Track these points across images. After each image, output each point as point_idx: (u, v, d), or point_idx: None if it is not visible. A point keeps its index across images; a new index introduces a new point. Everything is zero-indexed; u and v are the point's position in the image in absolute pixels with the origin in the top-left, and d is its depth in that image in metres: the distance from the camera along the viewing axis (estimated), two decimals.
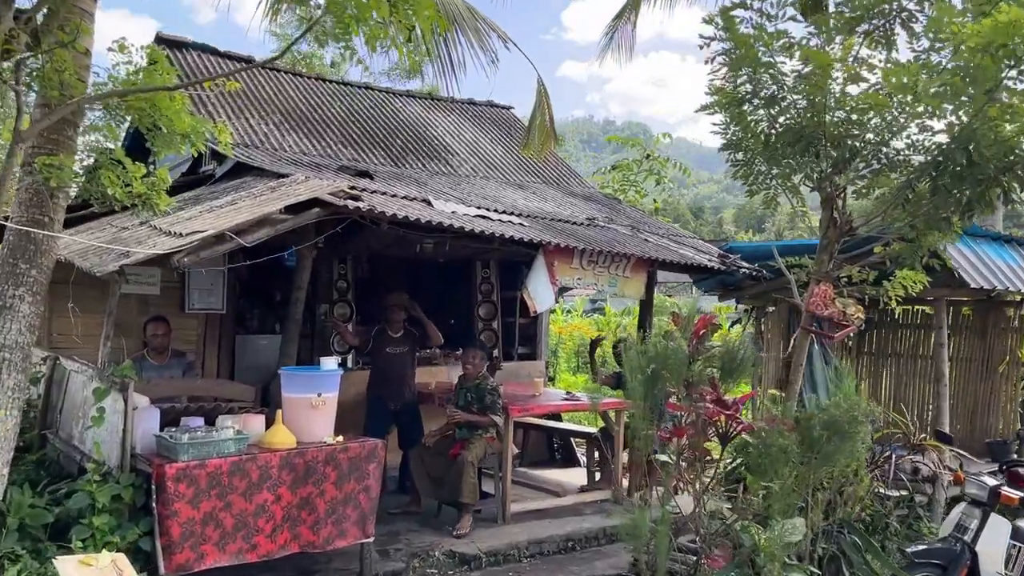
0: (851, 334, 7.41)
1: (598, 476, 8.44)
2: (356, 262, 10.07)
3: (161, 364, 6.82)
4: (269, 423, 5.40)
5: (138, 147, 7.13)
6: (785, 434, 4.89)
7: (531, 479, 8.45)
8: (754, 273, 7.66)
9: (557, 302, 6.21)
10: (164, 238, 5.42)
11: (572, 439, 9.64)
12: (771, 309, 8.55)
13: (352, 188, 6.12)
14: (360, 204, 5.78)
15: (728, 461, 5.52)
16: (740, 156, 5.90)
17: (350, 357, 8.65)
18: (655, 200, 9.47)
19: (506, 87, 11.32)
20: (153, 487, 4.70)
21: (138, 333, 6.78)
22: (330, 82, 9.93)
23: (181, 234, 5.30)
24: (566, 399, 7.66)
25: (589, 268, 6.94)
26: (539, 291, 6.53)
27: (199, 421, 5.30)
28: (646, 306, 8.80)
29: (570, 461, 9.68)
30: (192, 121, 4.82)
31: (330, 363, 5.73)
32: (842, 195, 5.74)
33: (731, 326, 9.13)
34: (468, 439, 6.82)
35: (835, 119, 5.46)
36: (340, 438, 5.57)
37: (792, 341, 6.23)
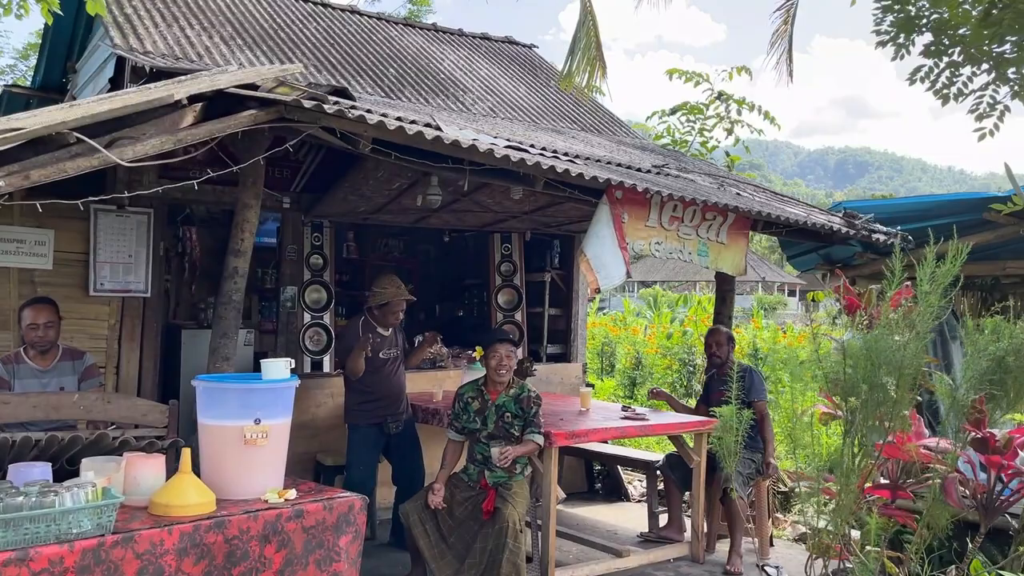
0: None
1: (661, 519, 6.24)
2: (337, 233, 7.85)
3: (45, 368, 4.63)
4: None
5: None
6: None
7: (571, 523, 6.23)
8: (890, 242, 5.44)
9: (629, 276, 3.94)
10: None
11: (620, 466, 7.40)
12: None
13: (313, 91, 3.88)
14: (325, 105, 3.55)
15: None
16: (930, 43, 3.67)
17: (326, 358, 6.42)
18: (727, 154, 7.29)
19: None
20: None
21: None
22: (306, 1, 7.70)
23: None
24: (628, 417, 5.43)
25: (672, 228, 4.72)
26: (604, 257, 4.31)
27: (40, 469, 3.08)
28: (725, 292, 6.58)
29: (615, 494, 7.46)
30: None
31: (277, 367, 3.50)
32: None
33: (839, 314, 6.91)
34: (506, 483, 4.60)
35: None
36: (292, 493, 3.36)
37: None
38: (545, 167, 3.97)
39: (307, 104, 3.41)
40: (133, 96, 3.28)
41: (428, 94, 6.79)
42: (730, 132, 7.39)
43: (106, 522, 2.80)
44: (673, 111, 7.36)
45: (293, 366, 3.57)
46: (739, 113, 7.09)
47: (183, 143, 3.31)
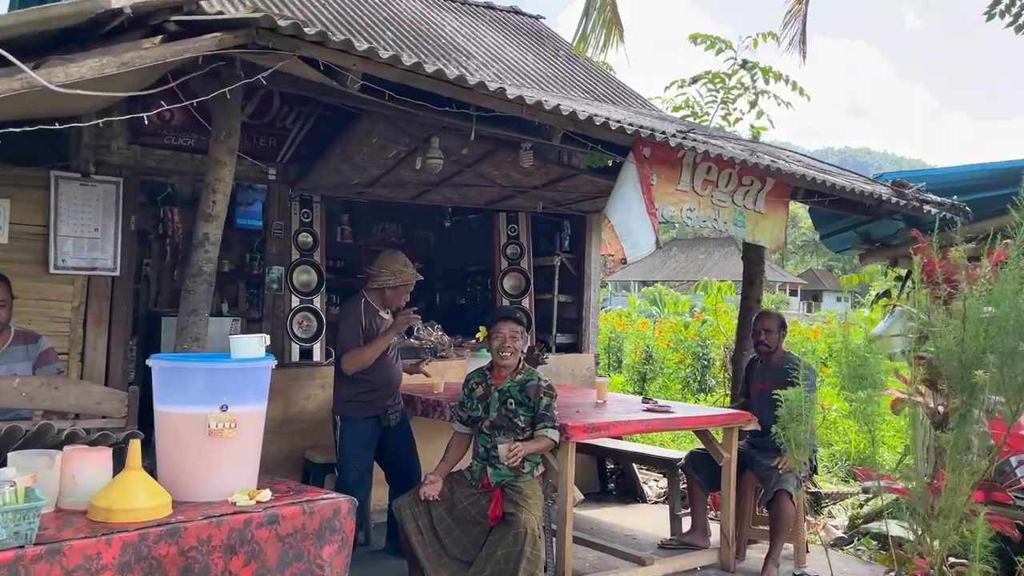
0: None
1: (684, 522, 5.68)
2: (330, 213, 7.29)
3: None
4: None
5: None
6: None
7: (585, 527, 5.67)
8: (942, 215, 4.87)
9: (659, 246, 3.36)
10: None
11: (635, 465, 6.84)
12: None
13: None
14: (306, 29, 2.98)
15: None
16: None
17: (317, 346, 5.85)
18: (752, 126, 6.72)
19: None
20: None
21: None
22: None
23: None
24: (651, 409, 4.86)
25: (705, 193, 4.16)
26: (631, 223, 3.75)
27: None
28: (754, 274, 6.02)
29: (630, 494, 6.90)
30: None
31: (248, 344, 2.93)
32: None
33: (876, 300, 6.36)
34: (513, 484, 4.03)
35: None
36: (265, 494, 2.80)
37: None
38: (565, 112, 3.40)
39: (283, 24, 2.84)
40: (57, 8, 2.70)
41: (428, 58, 6.21)
42: (754, 104, 6.83)
43: (26, 531, 2.23)
44: (694, 80, 6.80)
45: (268, 343, 3.00)
46: (766, 82, 6.54)
47: (129, 66, 2.73)
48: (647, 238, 3.78)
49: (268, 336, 3.00)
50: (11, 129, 3.14)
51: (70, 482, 2.62)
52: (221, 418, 2.79)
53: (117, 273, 5.02)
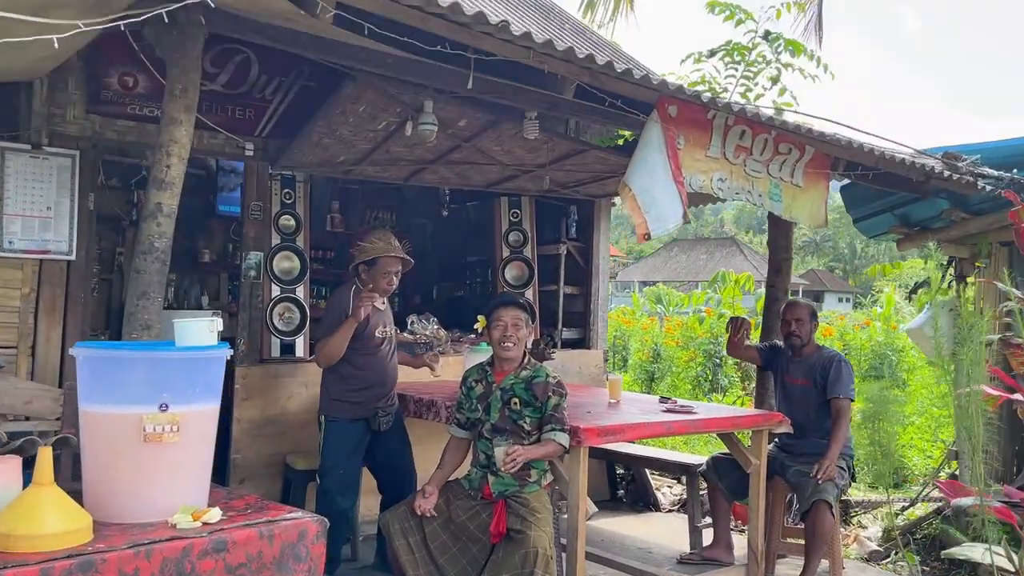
0: None
1: (705, 534, 5.15)
2: (317, 199, 6.77)
3: None
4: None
5: None
6: None
7: (595, 539, 5.14)
8: (999, 191, 4.32)
9: (687, 221, 2.82)
10: None
11: (648, 470, 6.30)
12: (982, 264, 5.20)
13: None
14: None
15: None
16: None
17: (300, 340, 5.31)
18: (775, 103, 6.19)
19: None
20: None
21: None
22: None
23: None
24: (671, 411, 4.32)
25: (738, 161, 3.63)
26: (654, 191, 3.21)
27: None
28: (780, 261, 5.49)
29: (642, 502, 6.36)
30: None
31: (195, 329, 2.40)
32: None
33: (914, 290, 5.82)
34: (519, 495, 3.49)
35: None
36: (214, 514, 2.26)
37: None
38: (580, 56, 2.86)
39: None
40: None
41: None
42: (776, 80, 6.30)
43: None
44: (711, 53, 6.27)
45: (220, 328, 2.46)
46: (792, 55, 6.00)
47: None
48: (673, 209, 3.24)
49: (220, 320, 2.46)
50: None
51: None
52: (159, 420, 2.26)
53: (73, 257, 4.48)
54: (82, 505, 2.19)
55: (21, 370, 4.33)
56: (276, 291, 5.19)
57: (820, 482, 4.25)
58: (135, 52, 4.23)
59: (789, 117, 4.25)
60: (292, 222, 5.32)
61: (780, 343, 4.92)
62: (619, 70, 2.99)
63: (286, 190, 5.31)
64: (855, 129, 4.15)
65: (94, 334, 5.53)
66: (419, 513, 3.52)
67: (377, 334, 4.21)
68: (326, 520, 2.37)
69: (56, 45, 2.13)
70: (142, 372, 2.27)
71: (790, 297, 5.25)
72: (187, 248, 7.14)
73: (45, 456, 2.07)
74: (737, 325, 4.91)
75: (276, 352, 5.20)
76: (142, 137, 4.69)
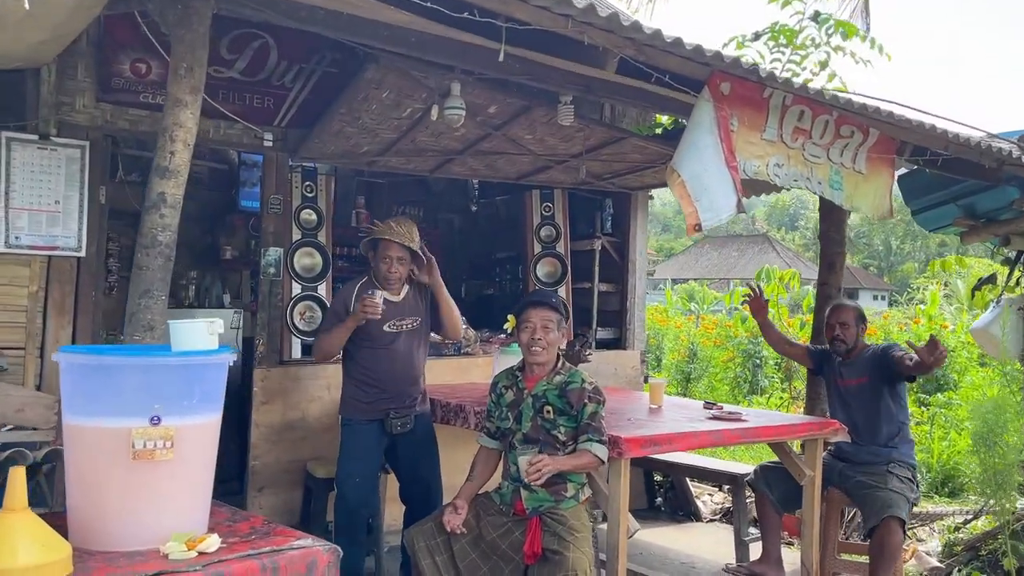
0: None
1: (752, 549, 4.81)
2: (343, 194, 6.53)
3: None
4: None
5: None
6: None
7: (633, 551, 4.82)
8: None
9: (743, 211, 2.49)
10: None
11: (689, 479, 5.96)
12: None
13: None
14: None
15: None
16: None
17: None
18: (824, 89, 5.81)
19: None
20: None
21: None
22: None
23: None
24: (718, 418, 3.99)
25: (796, 144, 3.29)
26: (705, 178, 2.89)
27: None
28: (834, 256, 5.13)
29: (683, 511, 6.03)
30: None
31: (192, 332, 2.13)
32: None
33: (979, 286, 5.42)
34: (555, 511, 3.19)
35: None
36: (212, 542, 1.99)
37: None
38: (625, 24, 2.54)
39: None
40: None
41: None
42: (824, 65, 5.92)
43: None
44: (756, 36, 5.91)
45: (222, 331, 2.19)
46: (844, 38, 5.61)
47: None
48: (727, 198, 2.91)
49: (221, 321, 2.18)
50: None
51: None
52: (151, 434, 1.99)
53: (83, 254, 4.25)
54: (67, 530, 1.94)
55: (29, 373, 4.11)
56: (297, 289, 4.93)
57: (894, 493, 3.90)
58: (147, 37, 3.98)
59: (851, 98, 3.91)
60: (313, 216, 5.06)
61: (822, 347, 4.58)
62: (668, 39, 2.67)
63: (307, 183, 5.06)
64: (921, 111, 3.78)
65: (111, 335, 5.31)
66: (448, 529, 3.24)
67: (387, 329, 3.91)
68: (339, 549, 2.09)
69: (27, 5, 1.86)
70: (131, 380, 2.01)
71: (841, 299, 4.89)
72: (208, 245, 6.94)
73: (16, 477, 1.81)
74: (757, 302, 4.63)
75: (297, 353, 4.94)
76: (155, 127, 4.40)
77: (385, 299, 3.84)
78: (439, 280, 4.01)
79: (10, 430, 2.79)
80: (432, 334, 4.77)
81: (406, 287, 4.01)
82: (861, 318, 4.31)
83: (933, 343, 3.79)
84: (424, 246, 4.00)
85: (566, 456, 3.22)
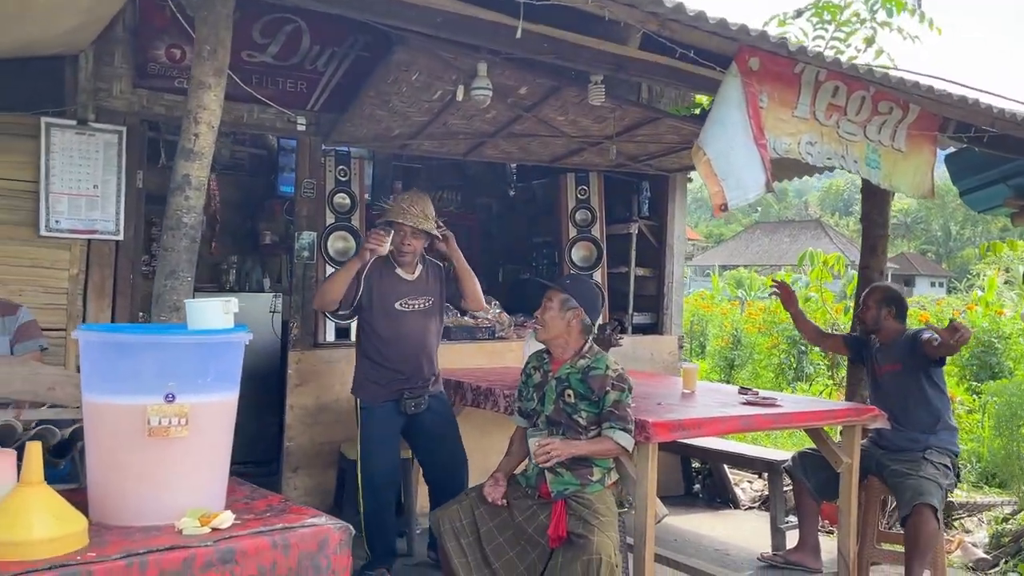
0: None
1: (789, 536, 4.73)
2: (378, 175, 6.54)
3: None
4: None
5: None
6: None
7: (666, 538, 4.79)
8: None
9: (771, 191, 2.40)
10: None
11: (728, 466, 5.88)
12: None
13: None
14: None
15: None
16: None
17: (355, 324, 5.08)
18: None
19: None
20: None
21: None
22: None
23: None
24: (752, 403, 3.91)
25: (830, 122, 3.19)
26: (732, 156, 2.82)
27: None
28: (876, 239, 4.99)
29: (720, 498, 5.95)
30: None
31: (207, 310, 2.15)
32: None
33: None
34: (580, 495, 3.16)
35: None
36: (225, 518, 2.00)
37: None
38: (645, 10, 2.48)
39: None
40: None
41: None
42: (871, 42, 5.72)
43: None
44: (798, 13, 5.75)
45: (237, 310, 2.20)
46: (889, 14, 5.42)
47: None
48: (754, 177, 2.83)
49: (237, 301, 2.19)
50: None
51: None
52: (165, 411, 2.01)
53: (120, 237, 4.34)
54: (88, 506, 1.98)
55: (70, 354, 4.22)
56: (330, 272, 4.96)
57: (926, 480, 3.80)
58: (180, 23, 4.03)
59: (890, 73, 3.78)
60: (347, 200, 5.09)
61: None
62: (691, 14, 2.60)
63: (340, 167, 5.08)
64: (966, 86, 3.63)
65: (149, 318, 5.43)
66: (489, 501, 3.24)
67: (399, 307, 3.92)
68: (351, 528, 2.09)
69: None
70: (145, 358, 2.03)
71: (881, 281, 4.76)
72: (248, 230, 7.03)
73: (33, 451, 1.84)
74: (784, 293, 4.56)
75: (331, 336, 4.99)
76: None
77: (399, 277, 3.86)
78: (457, 251, 4.01)
79: (48, 408, 2.85)
80: (466, 320, 4.77)
81: (419, 266, 4.02)
82: (887, 301, 4.20)
83: (952, 325, 3.72)
84: (439, 221, 3.99)
85: (584, 441, 3.19)
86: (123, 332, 2.13)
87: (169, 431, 2.01)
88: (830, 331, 4.66)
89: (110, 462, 2.06)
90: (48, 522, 1.79)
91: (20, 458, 1.89)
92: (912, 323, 4.35)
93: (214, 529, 1.97)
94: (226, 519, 2.00)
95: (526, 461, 3.43)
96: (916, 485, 3.81)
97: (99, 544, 1.85)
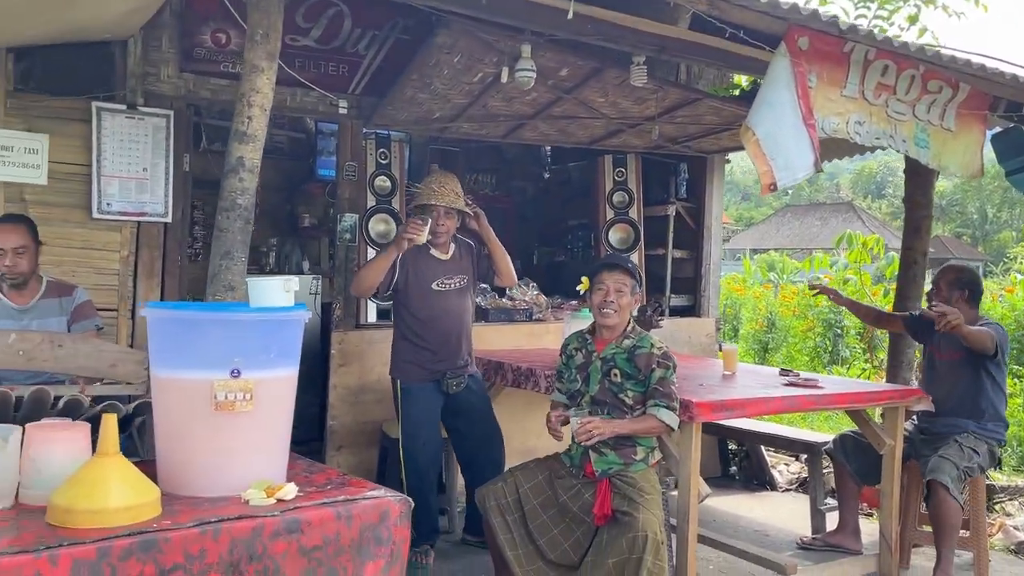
0: None
1: (829, 519, 4.74)
2: (415, 158, 6.58)
3: (23, 306, 3.60)
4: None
5: None
6: None
7: (706, 519, 4.80)
8: None
9: (820, 170, 2.40)
10: None
11: (765, 448, 5.88)
12: None
13: None
14: None
15: None
16: None
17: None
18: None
19: None
20: None
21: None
22: None
23: None
24: (794, 384, 3.91)
25: (879, 102, 3.17)
26: (780, 136, 2.82)
27: None
28: (919, 220, 4.94)
29: (757, 480, 5.96)
30: None
31: (269, 289, 2.20)
32: None
33: None
34: (624, 473, 3.19)
35: None
36: (289, 490, 2.07)
37: None
38: None
39: None
40: None
41: None
42: (914, 20, 5.64)
43: None
44: None
45: (297, 289, 2.26)
46: None
47: None
48: (803, 157, 2.83)
49: (297, 279, 2.25)
50: None
51: (31, 469, 1.97)
52: (231, 387, 2.07)
53: (169, 220, 4.43)
54: (156, 477, 2.05)
55: (122, 333, 4.33)
56: (371, 254, 5.02)
57: (942, 458, 3.79)
58: (225, 7, 4.09)
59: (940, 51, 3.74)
60: (388, 183, 5.14)
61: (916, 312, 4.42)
62: None
63: (381, 150, 5.13)
64: (1018, 64, 3.58)
65: (197, 300, 5.53)
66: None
67: (435, 287, 3.98)
68: (410, 500, 2.14)
69: None
70: (212, 335, 2.09)
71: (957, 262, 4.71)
72: (288, 213, 7.12)
73: (109, 424, 1.91)
74: (828, 292, 4.60)
75: (372, 317, 5.06)
76: (235, 95, 4.57)
77: (434, 258, 3.92)
78: (488, 227, 4.06)
79: (104, 384, 2.94)
80: (504, 301, 4.81)
81: (452, 246, 4.06)
82: (960, 283, 4.11)
83: (940, 313, 3.75)
84: (469, 199, 4.04)
85: (627, 420, 3.21)
86: (191, 309, 2.19)
87: (235, 405, 2.08)
88: (890, 313, 4.63)
89: (178, 435, 2.12)
90: (125, 491, 1.86)
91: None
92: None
93: (279, 500, 2.03)
94: (290, 491, 2.07)
95: (570, 442, 3.47)
96: (931, 463, 3.82)
97: (171, 513, 1.92)
